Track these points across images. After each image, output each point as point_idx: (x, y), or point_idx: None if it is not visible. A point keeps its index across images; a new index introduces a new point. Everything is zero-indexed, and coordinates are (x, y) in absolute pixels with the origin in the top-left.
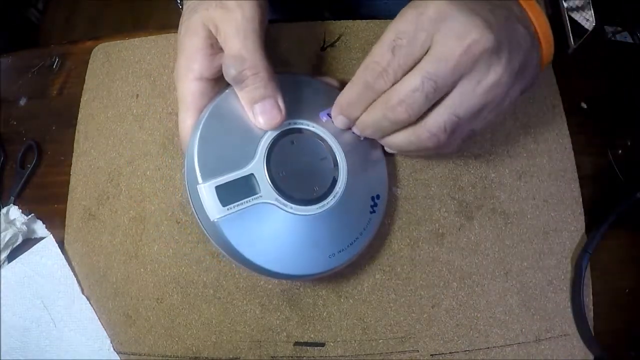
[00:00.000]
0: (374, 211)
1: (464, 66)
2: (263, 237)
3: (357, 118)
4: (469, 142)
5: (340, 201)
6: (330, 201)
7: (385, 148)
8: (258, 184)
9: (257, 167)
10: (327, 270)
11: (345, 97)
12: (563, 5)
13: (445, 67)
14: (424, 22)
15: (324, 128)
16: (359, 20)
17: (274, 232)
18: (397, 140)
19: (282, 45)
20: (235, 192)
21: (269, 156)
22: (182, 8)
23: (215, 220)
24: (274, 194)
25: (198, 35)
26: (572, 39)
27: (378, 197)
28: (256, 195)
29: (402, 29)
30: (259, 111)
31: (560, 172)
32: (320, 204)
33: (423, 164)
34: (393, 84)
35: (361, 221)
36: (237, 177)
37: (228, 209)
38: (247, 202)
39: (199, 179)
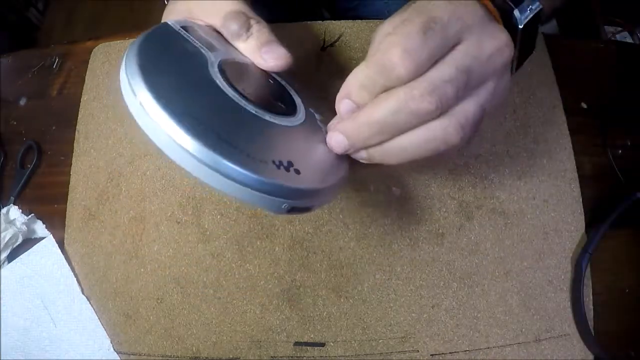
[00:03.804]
0: None
1: (494, 67)
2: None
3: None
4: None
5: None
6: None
7: (363, 158)
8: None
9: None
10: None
11: (358, 77)
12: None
13: (478, 63)
14: (456, 12)
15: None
16: (359, 20)
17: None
18: (407, 141)
19: (282, 46)
20: None
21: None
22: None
23: None
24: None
25: (179, 17)
26: (514, 66)
27: None
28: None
29: (434, 14)
30: (267, 52)
31: (560, 172)
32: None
33: (423, 164)
34: (416, 75)
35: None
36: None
37: None
38: None
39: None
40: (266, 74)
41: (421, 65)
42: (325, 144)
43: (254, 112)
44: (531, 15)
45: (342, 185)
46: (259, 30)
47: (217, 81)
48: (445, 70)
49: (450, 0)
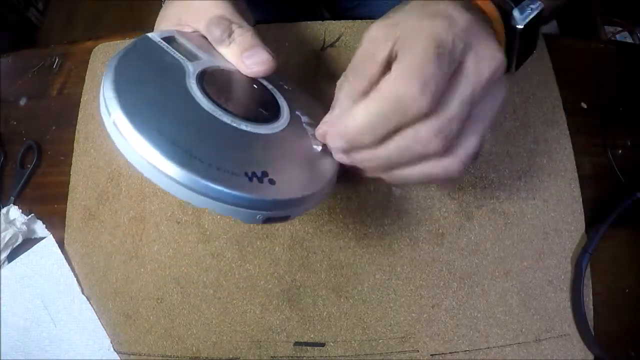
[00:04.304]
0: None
1: (488, 88)
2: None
3: (365, 147)
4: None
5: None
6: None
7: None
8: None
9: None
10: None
11: (359, 120)
12: (516, 30)
13: (477, 90)
14: (459, 32)
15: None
16: (359, 20)
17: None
18: (409, 173)
19: (282, 45)
20: None
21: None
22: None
23: None
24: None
25: (169, 22)
26: (514, 66)
27: None
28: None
29: (440, 38)
30: (250, 58)
31: (560, 172)
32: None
33: None
34: (433, 109)
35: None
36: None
37: None
38: None
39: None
40: (251, 78)
41: (437, 98)
42: (308, 149)
43: (229, 122)
44: (532, 15)
45: (326, 191)
46: (241, 35)
47: (193, 94)
48: (450, 105)
49: (445, 9)
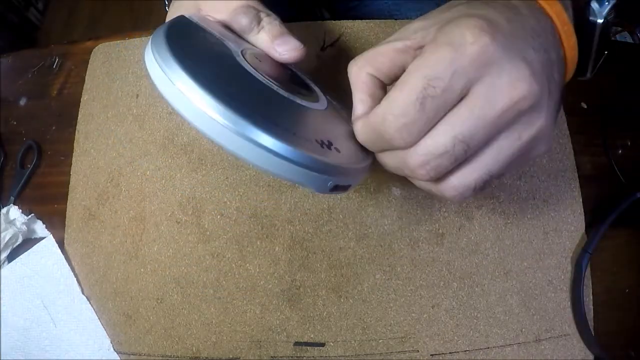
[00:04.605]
0: None
1: (504, 123)
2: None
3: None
4: None
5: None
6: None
7: None
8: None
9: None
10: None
11: (360, 135)
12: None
13: (482, 126)
14: (464, 66)
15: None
16: (359, 21)
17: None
18: (412, 180)
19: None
20: None
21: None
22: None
23: None
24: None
25: (186, 12)
26: (590, 69)
27: None
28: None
29: (434, 73)
30: (282, 45)
31: (560, 172)
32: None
33: None
34: (414, 142)
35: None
36: None
37: None
38: None
39: None
40: (282, 64)
41: (419, 134)
42: (348, 127)
43: (287, 95)
44: (609, 6)
45: (370, 168)
46: (270, 23)
47: (247, 68)
48: (440, 140)
49: (461, 32)
